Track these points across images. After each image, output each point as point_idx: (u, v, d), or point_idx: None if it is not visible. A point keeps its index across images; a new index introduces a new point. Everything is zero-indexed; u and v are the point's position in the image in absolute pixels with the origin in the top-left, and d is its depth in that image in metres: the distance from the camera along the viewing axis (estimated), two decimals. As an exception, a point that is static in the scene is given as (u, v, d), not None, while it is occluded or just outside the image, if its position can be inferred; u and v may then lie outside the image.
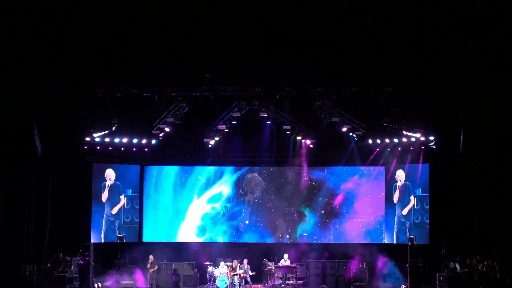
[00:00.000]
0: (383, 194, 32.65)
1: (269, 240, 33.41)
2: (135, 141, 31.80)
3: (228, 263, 31.02)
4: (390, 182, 32.28)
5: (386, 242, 32.27)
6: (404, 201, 31.77)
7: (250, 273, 30.72)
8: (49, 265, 30.23)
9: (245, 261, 30.97)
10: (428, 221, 30.79)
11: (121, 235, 32.17)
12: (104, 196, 31.94)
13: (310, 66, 28.76)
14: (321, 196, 33.38)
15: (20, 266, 29.15)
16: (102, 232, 31.91)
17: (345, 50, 28.41)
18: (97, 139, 31.11)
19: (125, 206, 32.41)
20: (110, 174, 32.08)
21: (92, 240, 30.98)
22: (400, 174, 31.99)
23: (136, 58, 28.61)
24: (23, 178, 30.01)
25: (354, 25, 28.08)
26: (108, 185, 32.03)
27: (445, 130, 30.41)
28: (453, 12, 27.43)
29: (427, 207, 30.92)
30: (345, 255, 32.15)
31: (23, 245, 29.80)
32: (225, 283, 29.97)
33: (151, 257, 30.73)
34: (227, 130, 32.22)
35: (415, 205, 31.28)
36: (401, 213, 31.72)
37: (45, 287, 28.36)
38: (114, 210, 32.06)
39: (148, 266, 30.56)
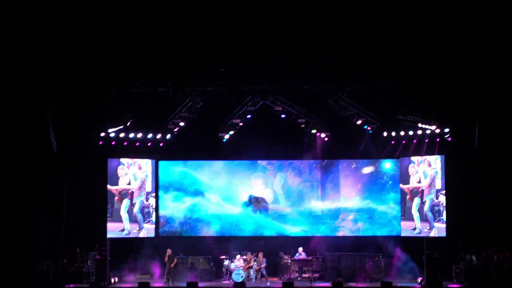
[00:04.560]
0: (398, 186, 32.56)
1: (286, 233, 33.39)
2: (149, 136, 31.83)
3: (244, 257, 31.12)
4: (404, 174, 32.18)
5: (402, 235, 32.19)
6: (422, 193, 31.62)
7: (264, 265, 30.73)
8: (65, 260, 30.38)
9: (260, 254, 31.01)
10: (444, 213, 30.70)
11: (136, 230, 32.16)
12: (119, 191, 31.91)
13: (324, 60, 28.71)
14: (337, 189, 33.32)
15: (37, 261, 29.35)
16: (119, 227, 31.89)
17: (359, 44, 28.39)
18: (112, 135, 31.13)
19: (144, 201, 32.35)
20: (125, 169, 32.05)
21: (108, 235, 30.99)
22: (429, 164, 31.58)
23: (150, 54, 28.65)
24: (39, 174, 30.17)
25: (367, 19, 28.07)
26: (123, 180, 31.99)
27: (460, 122, 30.35)
28: (467, 3, 27.41)
29: (443, 199, 30.80)
30: (361, 248, 32.14)
31: (39, 241, 29.98)
32: (241, 277, 29.99)
33: (168, 250, 30.73)
34: (241, 124, 32.26)
35: (434, 198, 31.11)
36: (420, 205, 31.55)
37: (62, 282, 28.43)
38: (130, 205, 32.02)
39: (166, 259, 30.59)
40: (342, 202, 33.30)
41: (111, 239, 31.04)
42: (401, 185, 32.10)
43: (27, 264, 29.04)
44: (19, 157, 29.53)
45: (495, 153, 30.13)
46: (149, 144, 32.23)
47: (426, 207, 31.04)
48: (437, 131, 30.36)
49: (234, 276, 30.15)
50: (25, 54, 27.46)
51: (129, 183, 31.90)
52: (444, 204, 30.56)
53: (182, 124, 31.65)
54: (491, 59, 28.20)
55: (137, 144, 32.01)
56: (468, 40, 28.11)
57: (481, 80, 28.94)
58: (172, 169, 33.66)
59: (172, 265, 30.48)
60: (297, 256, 31.61)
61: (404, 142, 32.02)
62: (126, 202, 31.81)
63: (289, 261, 31.45)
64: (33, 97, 29.00)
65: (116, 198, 31.61)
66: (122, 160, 31.92)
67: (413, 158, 31.76)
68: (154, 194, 32.70)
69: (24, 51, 27.38)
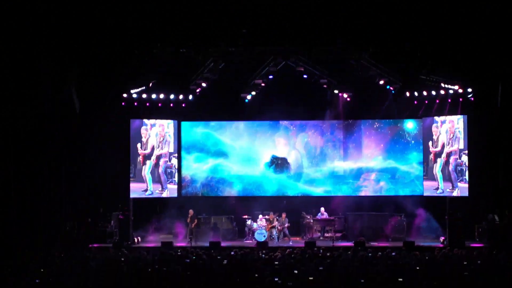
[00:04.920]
0: (420, 146, 32.49)
1: (308, 193, 33.47)
2: (172, 96, 31.84)
3: (266, 216, 31.26)
4: (427, 134, 32.07)
5: (424, 195, 32.18)
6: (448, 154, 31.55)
7: (287, 225, 30.92)
8: (89, 220, 30.63)
9: (283, 215, 31.18)
10: (466, 173, 30.63)
11: (159, 190, 32.32)
12: (142, 151, 32.04)
13: (347, 20, 28.52)
14: (358, 150, 33.32)
15: (61, 222, 29.63)
16: (142, 187, 32.06)
17: (381, 5, 28.16)
18: (135, 96, 31.18)
19: (167, 162, 32.46)
20: (147, 130, 32.13)
21: (132, 196, 31.19)
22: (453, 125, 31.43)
23: (172, 15, 28.54)
24: (63, 134, 30.36)
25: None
26: (146, 141, 32.09)
27: (483, 82, 30.15)
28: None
29: (465, 159, 30.71)
30: (383, 207, 32.17)
31: (64, 201, 30.25)
32: (264, 236, 30.17)
33: (191, 211, 30.95)
34: (263, 84, 32.20)
35: (458, 158, 31.00)
36: (443, 165, 31.47)
37: (86, 242, 28.69)
38: (153, 166, 32.15)
39: (188, 220, 30.81)
40: (364, 162, 33.31)
41: (134, 199, 31.26)
42: (431, 149, 31.80)
43: (51, 224, 29.34)
44: (43, 118, 29.67)
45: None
46: (171, 105, 32.22)
47: (450, 167, 30.97)
48: (460, 91, 30.17)
49: (256, 235, 30.33)
50: (47, 15, 27.46)
51: (154, 147, 32.02)
52: (467, 164, 30.51)
53: (204, 85, 31.60)
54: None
55: (160, 105, 32.04)
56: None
57: (504, 39, 28.64)
58: (194, 130, 33.72)
59: (193, 225, 30.68)
60: (319, 216, 31.75)
61: (426, 102, 31.88)
62: (149, 164, 31.96)
63: (311, 220, 31.60)
64: (56, 58, 29.15)
65: (139, 158, 31.76)
66: (145, 121, 32.02)
67: (436, 118, 31.65)
68: (176, 155, 32.81)
69: (45, 12, 27.37)
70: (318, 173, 33.49)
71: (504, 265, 18.78)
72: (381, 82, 31.05)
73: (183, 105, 32.38)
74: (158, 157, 32.16)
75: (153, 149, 32.05)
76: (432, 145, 31.65)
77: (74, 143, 30.94)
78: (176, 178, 32.75)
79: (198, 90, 31.84)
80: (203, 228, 31.60)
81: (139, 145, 31.70)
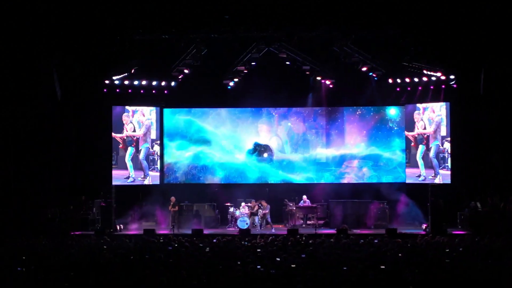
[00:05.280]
0: (403, 133, 32.52)
1: (290, 180, 33.45)
2: (154, 83, 31.72)
3: (249, 204, 31.23)
4: (409, 121, 32.13)
5: (407, 182, 32.25)
6: (427, 140, 31.62)
7: (267, 211, 30.85)
8: (71, 207, 30.53)
9: (263, 202, 31.11)
10: (449, 160, 30.72)
11: (141, 178, 32.25)
12: (123, 138, 31.93)
13: (330, 6, 28.44)
14: (341, 137, 33.30)
15: (43, 209, 29.51)
16: (124, 174, 31.98)
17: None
18: (117, 82, 31.04)
19: (149, 149, 32.38)
20: (129, 117, 32.02)
21: (114, 183, 31.07)
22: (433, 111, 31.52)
23: (154, 0, 28.41)
24: (44, 122, 30.23)
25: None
26: (128, 127, 31.98)
27: (465, 69, 30.20)
28: None
29: (447, 146, 30.79)
30: (366, 195, 32.21)
31: (46, 189, 30.13)
32: (246, 224, 30.15)
33: (172, 198, 30.90)
34: (246, 71, 32.11)
35: (440, 144, 31.09)
36: (425, 151, 31.56)
37: (68, 229, 28.58)
38: (135, 153, 32.06)
39: (170, 207, 30.75)
40: (347, 149, 33.31)
41: (116, 186, 31.14)
42: (406, 132, 32.11)
43: (33, 211, 29.22)
44: (24, 105, 29.57)
45: (500, 99, 30.01)
46: (153, 91, 32.14)
47: (431, 154, 31.08)
48: (443, 78, 30.22)
49: (239, 223, 30.31)
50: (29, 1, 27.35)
51: (133, 130, 31.92)
52: (449, 151, 30.60)
53: (186, 71, 31.50)
54: (498, 4, 27.90)
55: (142, 91, 31.93)
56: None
57: (486, 26, 28.68)
58: (177, 117, 33.60)
59: (173, 210, 30.58)
60: (301, 203, 31.75)
61: (409, 89, 31.95)
62: (130, 150, 31.89)
63: (294, 208, 31.64)
64: (38, 45, 29.00)
65: (120, 145, 31.67)
66: (127, 107, 31.89)
67: (418, 105, 31.71)
68: (159, 142, 32.72)
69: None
70: (300, 160, 33.44)
71: (487, 252, 18.83)
72: (364, 69, 31.04)
73: (165, 91, 32.27)
74: (137, 142, 32.04)
75: (133, 135, 31.94)
76: (414, 132, 31.72)
77: (56, 130, 30.77)
78: (158, 166, 32.68)
79: (180, 77, 31.75)
80: (185, 216, 31.57)
81: (114, 133, 31.56)
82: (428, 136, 31.34)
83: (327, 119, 33.44)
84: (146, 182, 32.30)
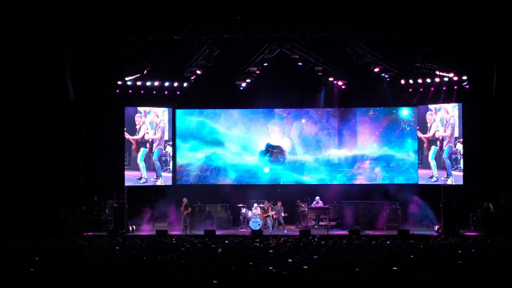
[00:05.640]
0: (415, 134, 32.48)
1: (303, 181, 33.42)
2: (166, 84, 31.82)
3: (261, 205, 31.23)
4: (422, 122, 32.10)
5: (419, 183, 32.20)
6: (441, 141, 31.58)
7: (283, 214, 30.91)
8: (84, 208, 30.57)
9: (278, 203, 31.11)
10: (461, 161, 30.67)
11: (153, 178, 32.33)
12: (136, 139, 32.03)
13: (342, 7, 28.40)
14: (353, 138, 33.26)
15: (56, 209, 29.57)
16: (136, 175, 32.07)
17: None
18: (129, 83, 31.19)
19: (162, 150, 32.48)
20: (142, 117, 32.11)
21: (126, 184, 31.12)
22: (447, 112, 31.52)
23: (167, 1, 28.42)
24: (57, 123, 30.30)
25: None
26: (140, 128, 32.08)
27: (478, 69, 30.11)
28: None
29: (460, 147, 30.76)
30: (378, 196, 32.19)
31: (58, 190, 30.19)
32: (259, 225, 30.16)
33: (184, 199, 30.90)
34: (258, 72, 32.12)
35: (453, 145, 31.09)
36: (437, 152, 31.55)
37: (81, 230, 28.63)
38: (147, 153, 32.15)
39: (182, 208, 30.75)
40: (359, 150, 33.26)
41: (129, 187, 31.19)
42: (419, 134, 32.06)
43: (46, 212, 29.29)
44: (37, 105, 29.66)
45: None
46: (166, 92, 32.24)
47: (444, 155, 31.02)
48: (455, 78, 30.21)
49: (251, 224, 30.33)
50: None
51: (146, 132, 31.98)
52: (462, 152, 30.55)
53: (199, 72, 31.54)
54: (509, 3, 27.79)
55: (154, 92, 32.04)
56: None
57: (498, 26, 28.56)
58: (189, 118, 33.64)
59: (185, 213, 30.60)
60: (314, 204, 31.73)
61: (421, 90, 31.94)
62: (143, 151, 31.99)
63: (306, 209, 31.62)
64: (51, 45, 29.12)
65: (133, 147, 31.74)
66: (139, 108, 31.97)
67: (431, 106, 31.66)
68: (171, 143, 32.77)
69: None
70: (312, 161, 33.41)
71: (499, 253, 18.77)
72: (376, 69, 31.01)
73: (178, 92, 32.36)
74: (151, 144, 32.13)
75: (151, 138, 32.07)
76: (427, 134, 31.71)
77: (68, 130, 30.82)
78: (170, 166, 32.74)
79: (192, 78, 31.78)
80: (197, 217, 31.60)
81: (127, 133, 31.65)
82: (442, 138, 31.28)
83: (339, 120, 33.40)
84: (159, 183, 32.38)
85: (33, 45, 28.73)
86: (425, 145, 31.88)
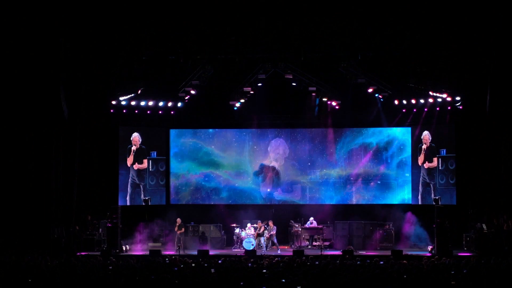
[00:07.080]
0: (409, 155, 32.59)
1: (296, 201, 33.44)
2: (161, 104, 31.85)
3: (255, 225, 31.21)
4: (416, 143, 32.24)
5: (413, 203, 32.25)
6: (429, 163, 31.83)
7: (273, 232, 30.83)
8: (77, 228, 30.51)
9: (270, 222, 31.08)
10: (453, 182, 30.78)
11: (146, 198, 32.34)
12: (130, 159, 32.11)
13: (336, 27, 28.55)
14: (347, 158, 33.32)
15: (49, 228, 29.50)
16: (128, 195, 32.14)
17: (371, 11, 28.21)
18: (123, 103, 31.19)
19: (150, 169, 32.60)
20: (136, 138, 32.20)
21: (120, 203, 31.11)
22: (426, 137, 31.96)
23: (161, 21, 28.55)
24: (51, 141, 30.27)
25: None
26: (134, 149, 32.16)
27: (472, 90, 30.22)
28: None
29: (452, 167, 30.91)
30: (371, 216, 32.16)
31: (51, 209, 30.13)
32: (252, 245, 30.13)
33: (178, 219, 30.88)
34: (252, 92, 32.15)
35: (440, 166, 31.31)
36: (426, 174, 31.76)
37: (74, 250, 28.56)
38: (139, 173, 32.24)
39: (176, 228, 30.73)
40: (352, 170, 33.31)
41: (122, 206, 31.16)
42: (420, 164, 32.28)
43: (39, 231, 29.23)
44: (31, 124, 29.66)
45: (507, 120, 29.97)
46: (160, 112, 32.26)
47: (437, 175, 31.16)
48: (448, 99, 30.31)
49: (244, 244, 30.29)
50: (37, 18, 27.49)
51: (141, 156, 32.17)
52: (455, 172, 30.66)
53: (193, 92, 31.56)
54: (504, 25, 27.94)
55: (148, 112, 32.05)
56: (479, 6, 27.89)
57: (492, 46, 28.70)
58: (184, 138, 33.69)
59: (179, 232, 30.58)
60: (308, 225, 31.70)
61: (415, 110, 32.01)
62: (136, 170, 32.03)
63: (300, 229, 31.58)
64: (45, 64, 29.17)
65: (127, 165, 31.89)
66: (133, 128, 32.04)
67: (424, 127, 31.84)
68: (165, 163, 32.85)
69: (36, 15, 27.40)
70: (306, 181, 33.45)
71: (493, 273, 18.77)
72: (370, 90, 31.09)
73: (172, 112, 32.40)
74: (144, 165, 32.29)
75: (140, 157, 32.17)
76: (419, 154, 31.92)
77: (62, 150, 30.80)
78: (164, 186, 32.76)
79: (187, 97, 31.81)
80: (191, 237, 31.57)
81: (128, 156, 31.84)
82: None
83: (333, 139, 33.44)
84: (150, 202, 32.37)
85: (28, 64, 28.74)
86: (420, 164, 32.06)
